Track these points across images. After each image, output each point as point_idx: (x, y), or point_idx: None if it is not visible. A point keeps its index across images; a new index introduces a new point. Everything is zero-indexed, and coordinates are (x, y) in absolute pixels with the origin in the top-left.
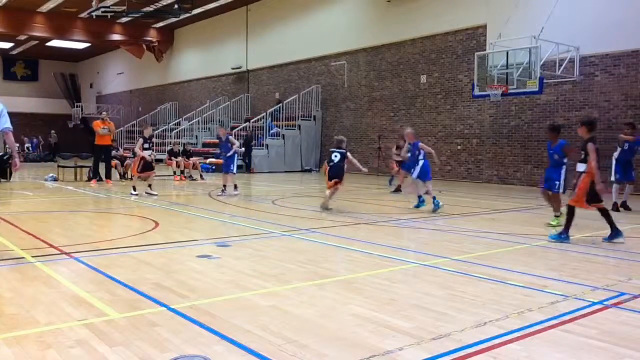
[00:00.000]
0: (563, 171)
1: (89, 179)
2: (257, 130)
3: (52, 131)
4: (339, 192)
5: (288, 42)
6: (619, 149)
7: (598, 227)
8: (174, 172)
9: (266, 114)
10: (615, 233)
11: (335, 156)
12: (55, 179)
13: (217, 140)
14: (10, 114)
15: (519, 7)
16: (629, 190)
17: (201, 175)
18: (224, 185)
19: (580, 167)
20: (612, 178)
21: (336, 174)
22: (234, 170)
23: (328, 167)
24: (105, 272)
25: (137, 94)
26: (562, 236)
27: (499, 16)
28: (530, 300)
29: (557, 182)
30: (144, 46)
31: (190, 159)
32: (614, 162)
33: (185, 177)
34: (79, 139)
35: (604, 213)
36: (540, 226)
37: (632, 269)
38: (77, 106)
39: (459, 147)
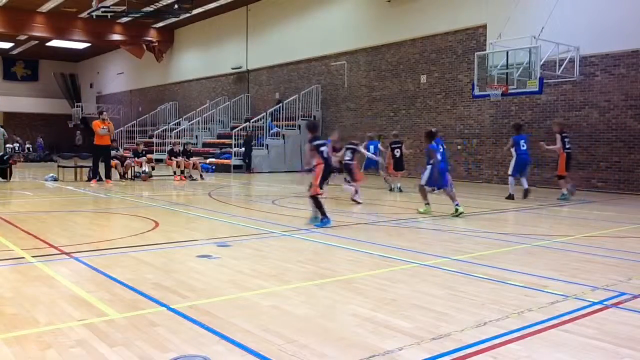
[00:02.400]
0: (428, 170)
1: (89, 179)
2: (257, 130)
3: (78, 132)
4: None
5: (288, 42)
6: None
7: (600, 227)
8: (174, 172)
9: (266, 114)
10: (324, 218)
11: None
12: (55, 179)
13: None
14: (11, 114)
15: (519, 7)
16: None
17: (201, 175)
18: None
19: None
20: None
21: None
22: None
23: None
24: (105, 272)
25: (137, 94)
26: (324, 220)
27: (499, 16)
28: (530, 300)
29: (422, 176)
30: (144, 46)
31: (191, 159)
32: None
33: (185, 177)
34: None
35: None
36: (541, 226)
37: (632, 269)
38: (77, 106)
39: (459, 147)
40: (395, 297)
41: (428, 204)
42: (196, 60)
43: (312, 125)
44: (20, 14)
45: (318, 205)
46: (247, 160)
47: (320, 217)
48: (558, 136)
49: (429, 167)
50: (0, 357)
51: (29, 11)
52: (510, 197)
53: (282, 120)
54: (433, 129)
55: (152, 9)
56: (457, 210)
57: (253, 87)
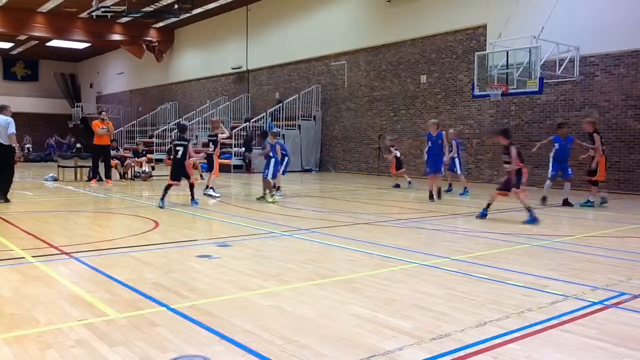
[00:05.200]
0: (272, 164)
1: (89, 179)
2: (257, 130)
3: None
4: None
5: (288, 42)
6: (553, 149)
7: (600, 227)
8: None
9: (266, 114)
10: (193, 199)
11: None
12: (55, 179)
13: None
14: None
15: (519, 7)
16: (568, 188)
17: (201, 175)
18: (450, 184)
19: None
20: (549, 175)
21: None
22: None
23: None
24: (105, 272)
25: (137, 94)
26: (195, 202)
27: (499, 16)
28: (530, 300)
29: (267, 171)
30: (144, 46)
31: (190, 159)
32: (551, 160)
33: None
34: (79, 139)
35: (191, 186)
36: (540, 226)
37: (632, 269)
38: (77, 106)
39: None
40: (395, 297)
41: (273, 194)
42: (196, 60)
43: (181, 127)
44: (20, 14)
45: (192, 189)
46: (247, 161)
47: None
48: (597, 136)
49: (271, 162)
50: (0, 357)
51: (29, 11)
52: (544, 200)
53: (282, 120)
54: (274, 130)
55: (152, 9)
56: (272, 197)
57: (253, 87)
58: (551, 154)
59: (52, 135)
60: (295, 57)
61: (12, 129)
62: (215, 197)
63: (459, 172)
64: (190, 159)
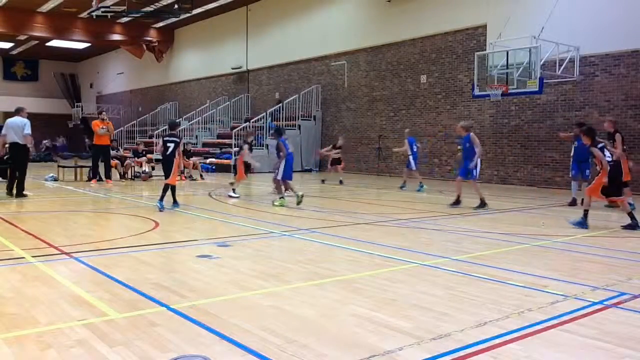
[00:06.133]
0: (282, 164)
1: (89, 179)
2: (257, 130)
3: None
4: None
5: (288, 42)
6: (573, 148)
7: (600, 227)
8: None
9: (266, 114)
10: (160, 200)
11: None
12: (55, 179)
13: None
14: (11, 114)
15: (519, 7)
16: (577, 187)
17: (201, 175)
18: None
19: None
20: (570, 174)
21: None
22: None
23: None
24: (105, 272)
25: (137, 94)
26: (160, 203)
27: (499, 16)
28: (530, 300)
29: (278, 171)
30: (144, 46)
31: (191, 158)
32: (572, 159)
33: (185, 177)
34: (79, 139)
35: (166, 187)
36: (540, 226)
37: (632, 269)
38: (77, 106)
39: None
40: (395, 297)
41: (283, 197)
42: (196, 60)
43: (171, 124)
44: (20, 14)
45: (165, 190)
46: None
47: (159, 199)
48: (619, 136)
49: (283, 162)
50: (0, 357)
51: (29, 11)
52: (574, 201)
53: (282, 120)
54: (279, 126)
55: (152, 9)
56: (279, 200)
57: (253, 87)
58: (572, 154)
59: (57, 136)
60: (295, 57)
61: (28, 130)
62: (234, 197)
63: (413, 168)
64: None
